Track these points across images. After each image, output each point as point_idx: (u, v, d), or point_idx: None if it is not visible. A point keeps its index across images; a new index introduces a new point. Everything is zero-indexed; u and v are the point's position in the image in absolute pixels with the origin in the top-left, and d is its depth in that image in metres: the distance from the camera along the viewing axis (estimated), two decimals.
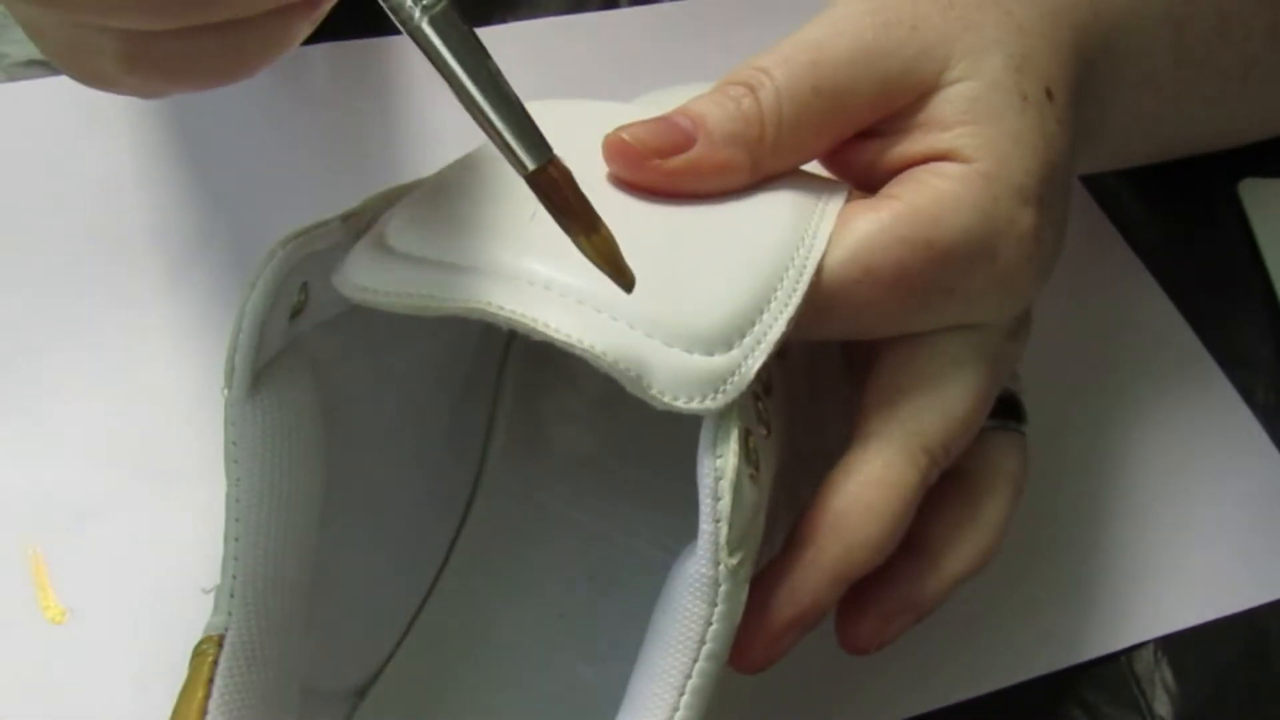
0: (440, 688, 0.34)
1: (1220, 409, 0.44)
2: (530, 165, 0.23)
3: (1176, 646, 0.38)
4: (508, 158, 0.23)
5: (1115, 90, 0.36)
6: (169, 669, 0.26)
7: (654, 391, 0.24)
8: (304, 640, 0.28)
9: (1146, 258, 0.47)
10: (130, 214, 0.43)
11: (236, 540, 0.26)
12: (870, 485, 0.28)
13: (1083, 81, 0.33)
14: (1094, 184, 0.49)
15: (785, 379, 0.29)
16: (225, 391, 0.26)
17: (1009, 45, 0.31)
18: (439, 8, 0.23)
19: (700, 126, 0.28)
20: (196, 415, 0.38)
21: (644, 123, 0.28)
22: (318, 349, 0.28)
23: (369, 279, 0.25)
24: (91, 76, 0.26)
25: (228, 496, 0.26)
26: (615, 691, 0.26)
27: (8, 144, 0.44)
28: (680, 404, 0.24)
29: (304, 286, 0.26)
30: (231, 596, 0.26)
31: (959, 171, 0.29)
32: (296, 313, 0.27)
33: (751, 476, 0.25)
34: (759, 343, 0.25)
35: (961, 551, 0.31)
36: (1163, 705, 0.37)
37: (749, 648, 0.27)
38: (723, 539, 0.24)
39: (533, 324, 0.24)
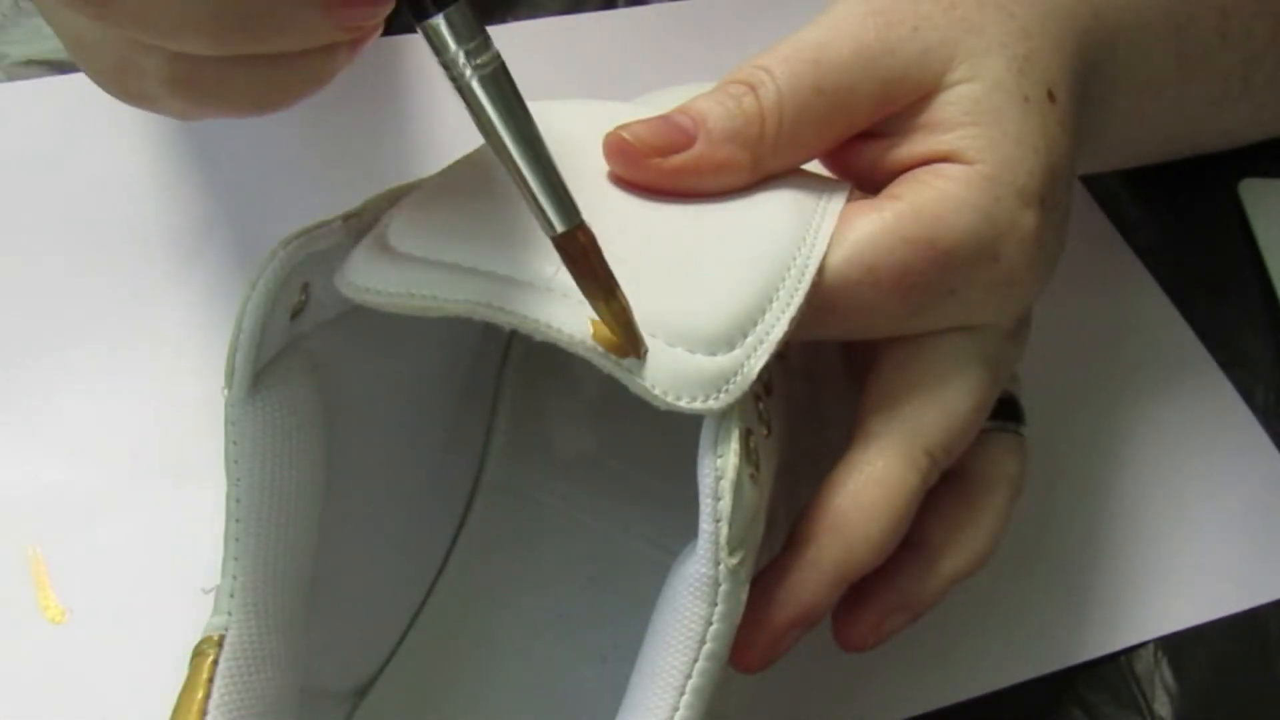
0: (440, 688, 0.34)
1: (1220, 409, 0.44)
2: (559, 228, 0.23)
3: (1176, 646, 0.38)
4: (537, 218, 0.24)
5: (1116, 91, 0.36)
6: (169, 669, 0.26)
7: (656, 391, 0.24)
8: (304, 640, 0.28)
9: (1146, 258, 0.47)
10: (130, 214, 0.43)
11: (236, 540, 0.26)
12: (871, 485, 0.28)
13: (1084, 83, 0.33)
14: (1094, 184, 0.49)
15: (785, 379, 0.29)
16: (226, 391, 0.26)
17: (1011, 47, 0.31)
18: (490, 68, 0.23)
19: (700, 125, 0.28)
20: (197, 415, 0.38)
21: (644, 121, 0.28)
22: (319, 349, 0.28)
23: (370, 279, 0.25)
24: (135, 96, 0.27)
25: (228, 496, 0.26)
26: (615, 691, 0.26)
27: (8, 144, 0.43)
28: (683, 404, 0.24)
29: (305, 286, 0.26)
30: (231, 596, 0.26)
31: (961, 173, 0.29)
32: (297, 313, 0.27)
33: (752, 476, 0.25)
34: (761, 342, 0.25)
35: (960, 551, 0.31)
36: (1163, 705, 0.37)
37: (749, 647, 0.27)
38: (723, 539, 0.24)
39: (534, 324, 0.24)
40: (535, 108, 0.31)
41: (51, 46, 0.46)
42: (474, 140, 0.28)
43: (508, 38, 0.49)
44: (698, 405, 0.24)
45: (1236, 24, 0.39)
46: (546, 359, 0.36)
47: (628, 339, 0.24)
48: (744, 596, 0.25)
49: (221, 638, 0.25)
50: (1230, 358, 0.45)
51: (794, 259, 0.27)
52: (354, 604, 0.32)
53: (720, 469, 0.24)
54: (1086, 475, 0.42)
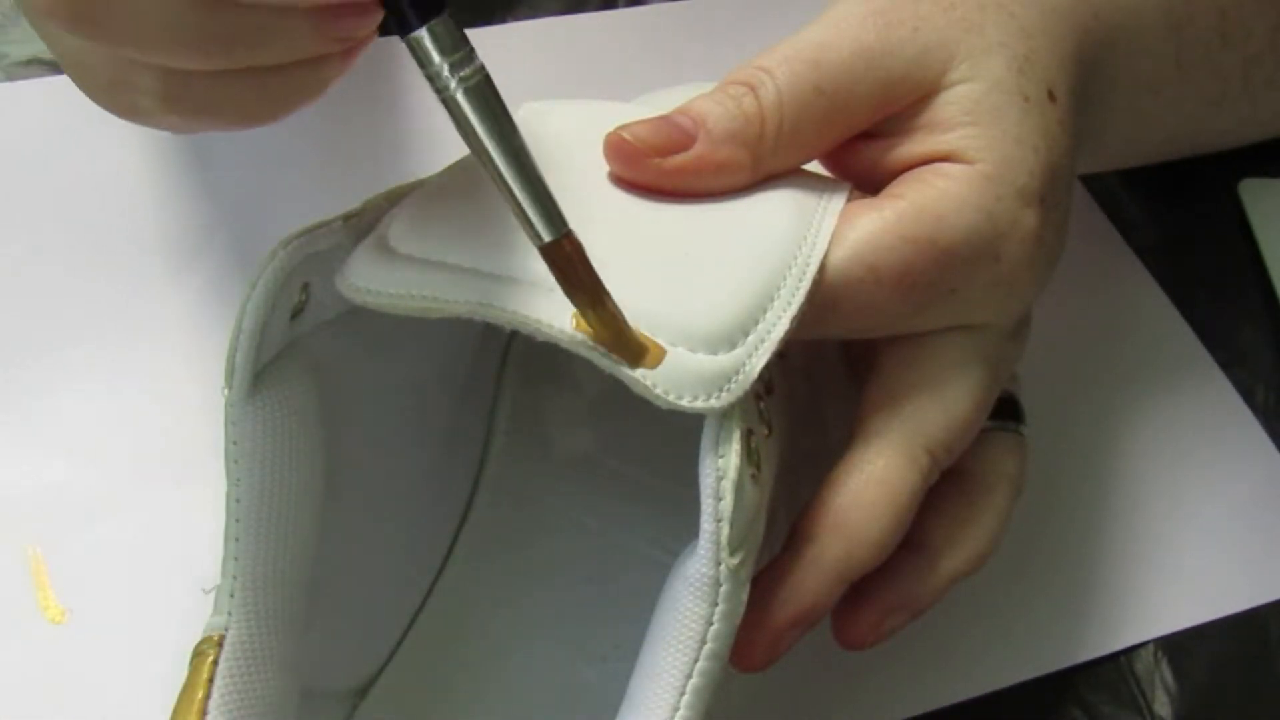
0: (440, 688, 0.34)
1: (1220, 409, 0.44)
2: (546, 237, 0.24)
3: (1176, 646, 0.38)
4: (524, 228, 0.24)
5: (1116, 91, 0.36)
6: (169, 669, 0.26)
7: (658, 391, 0.24)
8: (304, 640, 0.28)
9: (1146, 258, 0.47)
10: (130, 214, 0.43)
11: (236, 540, 0.26)
12: (872, 484, 0.28)
13: (1084, 82, 0.33)
14: (1094, 184, 0.49)
15: (786, 378, 0.29)
16: (226, 391, 0.26)
17: (1011, 46, 0.31)
18: (475, 80, 0.23)
19: (701, 125, 0.28)
20: (197, 415, 0.38)
21: (644, 121, 0.28)
22: (319, 349, 0.28)
23: (371, 281, 0.25)
24: (130, 112, 0.27)
25: (228, 496, 0.26)
26: (615, 691, 0.26)
27: (8, 144, 0.43)
28: (684, 403, 0.24)
29: (305, 287, 0.26)
30: (231, 596, 0.26)
31: (962, 172, 0.29)
32: (297, 313, 0.27)
33: (753, 476, 0.25)
34: (762, 341, 0.25)
35: (960, 551, 0.31)
36: (1163, 705, 0.37)
37: (750, 647, 0.27)
38: (724, 539, 0.24)
39: (535, 324, 0.24)
40: (536, 107, 0.31)
41: None
42: None
43: (508, 38, 0.49)
44: (699, 405, 0.24)
45: (1236, 24, 0.39)
46: (547, 359, 0.36)
47: (619, 346, 0.24)
48: (744, 596, 0.25)
49: (221, 638, 0.25)
50: (1230, 358, 0.45)
51: (795, 258, 0.27)
52: (354, 604, 0.32)
53: (722, 469, 0.24)
54: (1086, 475, 0.42)
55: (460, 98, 0.23)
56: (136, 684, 0.34)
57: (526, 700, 0.34)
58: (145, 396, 0.39)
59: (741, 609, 0.25)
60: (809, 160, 0.30)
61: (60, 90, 0.44)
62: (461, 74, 0.23)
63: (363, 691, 0.33)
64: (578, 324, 0.24)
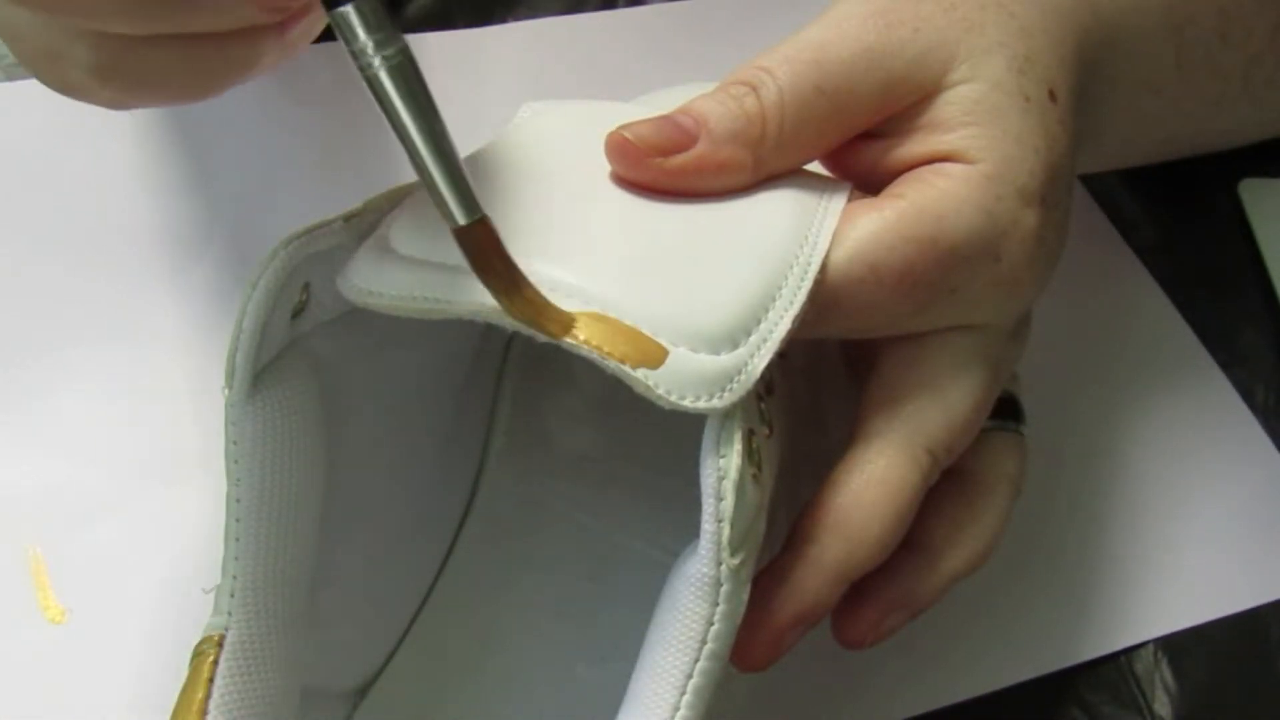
0: (440, 688, 0.34)
1: (1220, 409, 0.44)
2: (460, 221, 0.24)
3: (1176, 646, 0.38)
4: (440, 211, 0.24)
5: (1116, 90, 0.36)
6: (169, 669, 0.26)
7: (660, 391, 0.24)
8: (304, 640, 0.28)
9: (1146, 258, 0.47)
10: (130, 214, 0.43)
11: (237, 540, 0.26)
12: (873, 484, 0.28)
13: (1084, 82, 0.33)
14: (1094, 184, 0.49)
15: (786, 378, 0.29)
16: (226, 391, 0.26)
17: (1011, 46, 0.31)
18: (397, 60, 0.24)
19: (702, 125, 0.28)
20: (197, 415, 0.38)
21: (646, 121, 0.28)
22: (319, 349, 0.28)
23: (373, 282, 0.25)
24: (64, 85, 0.27)
25: (228, 496, 0.26)
26: (615, 691, 0.26)
27: (8, 144, 0.43)
28: (686, 403, 0.24)
29: (306, 287, 0.26)
30: (231, 596, 0.26)
31: (963, 172, 0.29)
32: (298, 313, 0.27)
33: (754, 476, 0.25)
34: (764, 341, 0.25)
35: (959, 550, 0.31)
36: (1163, 705, 0.37)
37: (751, 646, 0.27)
38: (725, 539, 0.24)
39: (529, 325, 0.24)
40: (536, 107, 0.31)
41: None
42: (475, 142, 0.28)
43: (508, 38, 0.49)
44: (701, 404, 0.24)
45: (1236, 24, 0.39)
46: (547, 359, 0.36)
47: (542, 326, 0.24)
48: (745, 596, 0.25)
49: (221, 638, 0.25)
50: (1230, 358, 0.45)
51: (796, 257, 0.27)
52: (354, 604, 0.32)
53: (723, 469, 0.24)
54: (1086, 475, 0.42)
55: (383, 75, 0.24)
56: (136, 684, 0.34)
57: (526, 700, 0.34)
58: (145, 396, 0.39)
59: (742, 609, 0.25)
60: (810, 160, 0.30)
61: None
62: (385, 53, 0.24)
63: (363, 691, 0.33)
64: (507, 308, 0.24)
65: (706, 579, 0.24)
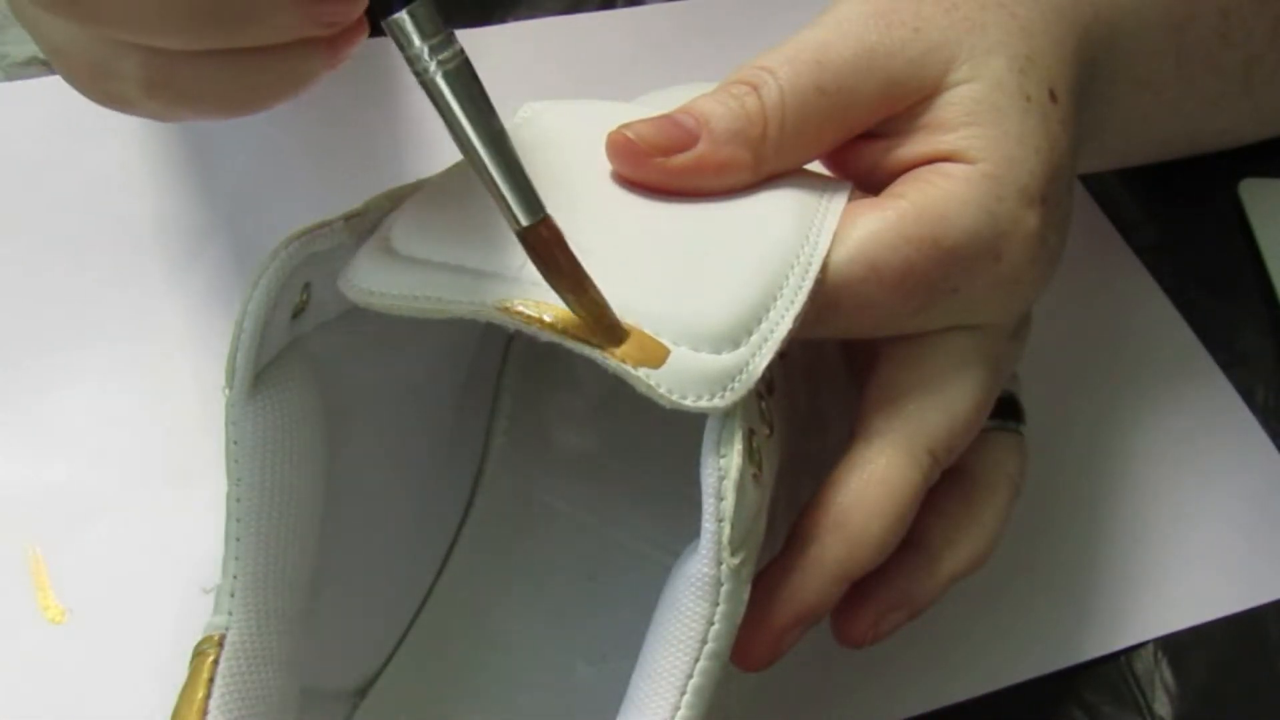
0: (440, 688, 0.34)
1: (1220, 409, 0.44)
2: (524, 222, 0.24)
3: (1176, 646, 0.38)
4: (503, 212, 0.24)
5: (1116, 90, 0.36)
6: (169, 669, 0.26)
7: (661, 390, 0.24)
8: (304, 640, 0.28)
9: (1146, 258, 0.47)
10: (131, 214, 0.43)
11: (237, 540, 0.26)
12: (873, 484, 0.28)
13: (1084, 82, 0.33)
14: (1094, 184, 0.49)
15: (786, 378, 0.29)
16: (226, 391, 0.26)
17: (1012, 46, 0.31)
18: (454, 63, 0.24)
19: (703, 125, 0.28)
20: (197, 415, 0.38)
21: (647, 120, 0.28)
22: (319, 349, 0.28)
23: (374, 282, 0.25)
24: (112, 99, 0.27)
25: (228, 496, 0.26)
26: (615, 691, 0.26)
27: (8, 144, 0.43)
28: (688, 402, 0.24)
29: (306, 287, 0.26)
30: (232, 596, 0.26)
31: (964, 172, 0.29)
32: (298, 313, 0.27)
33: (754, 476, 0.25)
34: (765, 340, 0.25)
35: (959, 550, 0.31)
36: (1162, 705, 0.37)
37: (751, 646, 0.27)
38: (725, 539, 0.24)
39: (539, 325, 0.24)
40: (536, 107, 0.31)
41: None
42: None
43: (508, 38, 0.49)
44: (703, 404, 0.24)
45: (1237, 24, 0.39)
46: (547, 359, 0.36)
47: (603, 332, 0.24)
48: (745, 596, 0.25)
49: (222, 637, 0.25)
50: (1230, 358, 0.45)
51: (797, 257, 0.27)
52: (354, 604, 0.32)
53: (724, 469, 0.24)
54: (1086, 475, 0.42)
55: (440, 80, 0.24)
56: (136, 684, 0.34)
57: (526, 699, 0.34)
58: (145, 396, 0.39)
59: (743, 609, 0.25)
60: (811, 160, 0.30)
61: (60, 90, 0.44)
62: (441, 57, 0.24)
63: (363, 691, 0.33)
64: (557, 313, 0.24)
65: (707, 579, 0.24)
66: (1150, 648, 0.38)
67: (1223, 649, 0.39)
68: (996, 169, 0.29)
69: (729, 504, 0.24)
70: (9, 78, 0.45)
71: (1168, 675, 0.38)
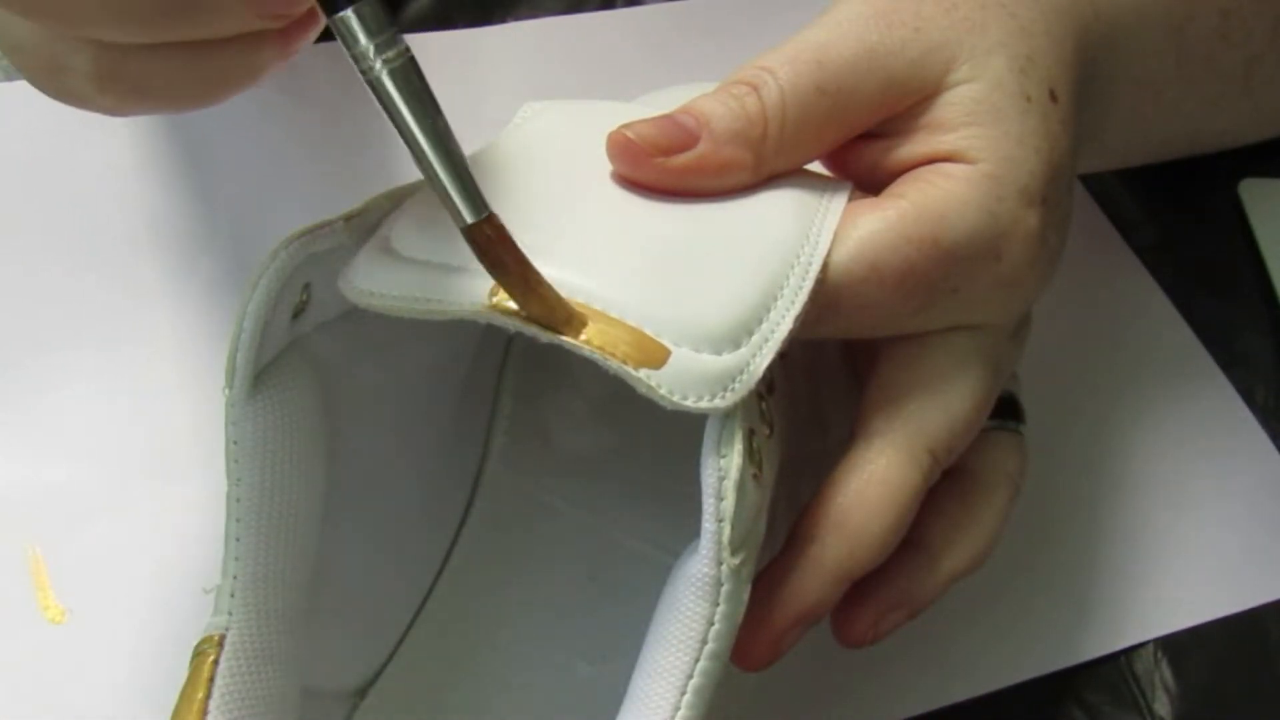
0: (440, 688, 0.34)
1: (1220, 409, 0.44)
2: (468, 219, 0.24)
3: (1176, 646, 0.38)
4: (448, 210, 0.24)
5: (1116, 90, 0.36)
6: (169, 669, 0.26)
7: (662, 391, 0.24)
8: (304, 640, 0.28)
9: (1146, 257, 0.47)
10: (130, 214, 0.43)
11: (237, 540, 0.26)
12: (874, 484, 0.28)
13: (1085, 82, 0.33)
14: (1094, 184, 0.49)
15: (786, 378, 0.29)
16: (226, 391, 0.26)
17: (1012, 46, 0.31)
18: (399, 62, 0.24)
19: (704, 125, 0.28)
20: (197, 415, 0.38)
21: (648, 120, 0.28)
22: (319, 349, 0.28)
23: (374, 283, 0.25)
24: (65, 94, 0.27)
25: (228, 496, 0.26)
26: (615, 691, 0.26)
27: (8, 144, 0.43)
28: (689, 403, 0.24)
29: (306, 287, 0.26)
30: (232, 596, 0.26)
31: (964, 172, 0.29)
32: (298, 313, 0.27)
33: (755, 476, 0.25)
34: (766, 341, 0.25)
35: (959, 550, 0.31)
36: (1162, 705, 0.37)
37: (752, 646, 0.27)
38: (725, 539, 0.24)
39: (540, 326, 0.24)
40: (536, 107, 0.31)
41: None
42: (476, 142, 0.28)
43: (508, 38, 0.49)
44: (704, 405, 0.24)
45: (1237, 24, 0.39)
46: (547, 359, 0.36)
47: (554, 321, 0.24)
48: (746, 596, 0.25)
49: (222, 638, 0.25)
50: (1230, 358, 0.45)
51: (798, 257, 0.27)
52: (354, 604, 0.32)
53: (724, 469, 0.24)
54: (1086, 475, 0.42)
55: (385, 79, 0.24)
56: (136, 684, 0.34)
57: (526, 699, 0.34)
58: (145, 396, 0.39)
59: (743, 609, 0.25)
60: (811, 160, 0.30)
61: None
62: (386, 55, 0.24)
63: (363, 691, 0.33)
64: (498, 299, 0.24)
65: (707, 579, 0.24)
66: (1150, 648, 0.38)
67: (1222, 649, 0.39)
68: (997, 169, 0.29)
69: (729, 504, 0.24)
70: (9, 78, 0.45)
71: (1168, 675, 0.38)
